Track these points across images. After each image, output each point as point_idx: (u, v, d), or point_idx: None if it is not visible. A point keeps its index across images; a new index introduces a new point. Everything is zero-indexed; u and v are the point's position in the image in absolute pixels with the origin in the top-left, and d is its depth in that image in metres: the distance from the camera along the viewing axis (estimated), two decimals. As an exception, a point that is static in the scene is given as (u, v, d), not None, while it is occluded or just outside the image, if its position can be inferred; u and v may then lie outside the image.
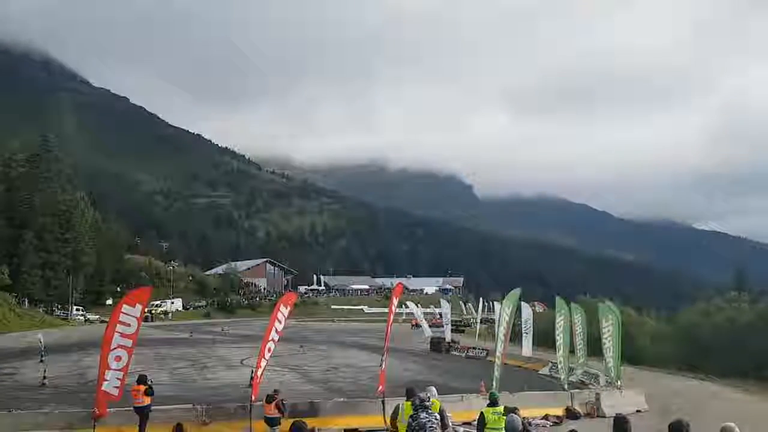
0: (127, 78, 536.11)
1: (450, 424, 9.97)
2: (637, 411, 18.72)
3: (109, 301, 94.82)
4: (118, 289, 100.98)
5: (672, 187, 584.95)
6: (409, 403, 9.52)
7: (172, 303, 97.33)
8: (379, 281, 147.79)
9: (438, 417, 8.55)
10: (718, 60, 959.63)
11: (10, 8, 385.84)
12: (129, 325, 13.64)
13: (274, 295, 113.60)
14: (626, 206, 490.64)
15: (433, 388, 10.69)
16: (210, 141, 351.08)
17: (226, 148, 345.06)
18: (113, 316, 13.85)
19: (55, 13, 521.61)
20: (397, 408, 10.33)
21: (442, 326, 49.24)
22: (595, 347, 25.84)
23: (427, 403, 8.47)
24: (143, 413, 14.06)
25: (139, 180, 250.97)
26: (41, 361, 29.19)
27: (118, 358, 13.54)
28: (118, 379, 13.53)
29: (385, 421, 15.86)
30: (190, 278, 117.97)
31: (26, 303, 69.31)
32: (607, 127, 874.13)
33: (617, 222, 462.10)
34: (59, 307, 76.77)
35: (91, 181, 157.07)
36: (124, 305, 13.91)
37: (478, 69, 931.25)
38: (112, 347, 13.46)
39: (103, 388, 13.49)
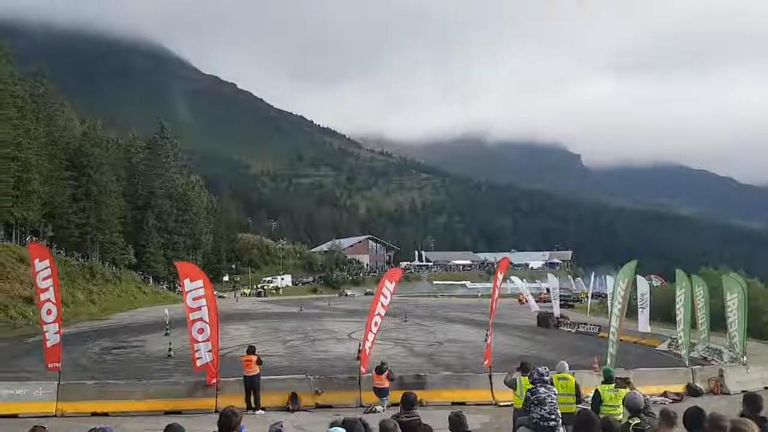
0: (233, 64, 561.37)
1: (583, 399, 9.71)
2: (765, 388, 17.33)
3: (226, 278, 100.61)
4: (233, 266, 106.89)
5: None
6: (526, 378, 9.32)
7: (282, 279, 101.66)
8: (481, 256, 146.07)
9: (556, 392, 8.30)
10: None
11: (122, 3, 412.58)
12: (198, 298, 14.41)
13: (377, 271, 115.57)
14: (751, 171, 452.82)
15: (565, 363, 10.39)
16: (311, 122, 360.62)
17: (327, 128, 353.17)
18: (184, 294, 14.64)
19: (164, 5, 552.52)
20: (514, 380, 10.16)
21: (550, 301, 47.91)
22: (717, 321, 24.21)
23: (546, 378, 8.25)
24: (254, 382, 14.68)
25: (247, 163, 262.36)
26: (167, 333, 31.38)
27: (201, 331, 14.34)
28: (208, 351, 14.31)
29: (492, 396, 15.67)
30: (298, 255, 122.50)
31: (150, 281, 74.68)
32: (726, 86, 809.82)
33: (742, 188, 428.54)
34: (180, 284, 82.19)
35: (205, 165, 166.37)
36: (186, 281, 14.62)
37: (581, 28, 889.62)
38: (193, 320, 14.31)
39: (197, 363, 14.38)
